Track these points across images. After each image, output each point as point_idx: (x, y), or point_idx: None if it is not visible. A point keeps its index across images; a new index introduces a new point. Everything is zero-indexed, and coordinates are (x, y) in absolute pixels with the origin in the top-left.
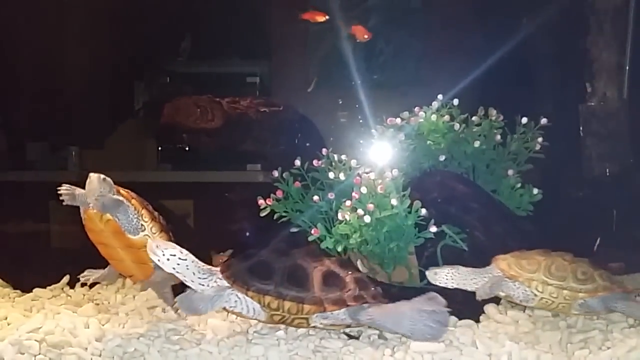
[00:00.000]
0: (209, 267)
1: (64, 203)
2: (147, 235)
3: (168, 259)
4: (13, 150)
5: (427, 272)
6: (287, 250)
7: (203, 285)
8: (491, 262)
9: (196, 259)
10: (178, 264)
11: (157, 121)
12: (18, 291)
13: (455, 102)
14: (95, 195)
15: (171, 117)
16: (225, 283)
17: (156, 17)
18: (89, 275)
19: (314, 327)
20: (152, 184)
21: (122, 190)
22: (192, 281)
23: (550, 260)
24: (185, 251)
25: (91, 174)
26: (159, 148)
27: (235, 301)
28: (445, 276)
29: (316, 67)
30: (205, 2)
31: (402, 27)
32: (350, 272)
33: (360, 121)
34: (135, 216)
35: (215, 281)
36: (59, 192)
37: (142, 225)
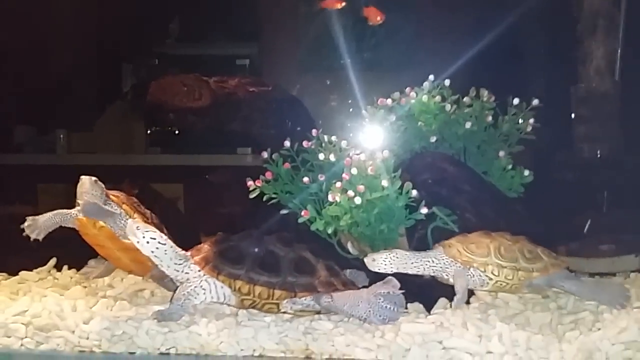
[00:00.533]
0: (185, 252)
1: (32, 238)
2: None
3: (148, 242)
4: (0, 133)
5: (365, 259)
6: (259, 236)
7: (177, 271)
8: (435, 247)
9: (174, 245)
10: (157, 248)
11: (144, 102)
12: (4, 274)
13: (447, 82)
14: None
15: (157, 95)
16: (196, 268)
17: None
18: (89, 272)
19: (283, 312)
20: (141, 167)
21: (112, 195)
22: (168, 267)
23: (496, 242)
24: (165, 236)
25: (83, 177)
26: (148, 131)
27: (204, 292)
28: (383, 261)
29: (306, 48)
30: None
31: (393, 8)
32: (321, 259)
33: (350, 102)
34: (127, 221)
35: (189, 267)
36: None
37: None
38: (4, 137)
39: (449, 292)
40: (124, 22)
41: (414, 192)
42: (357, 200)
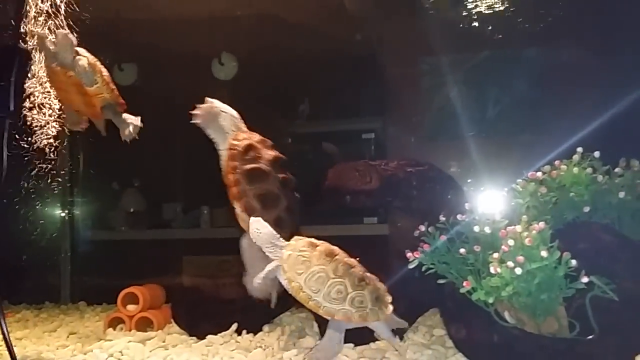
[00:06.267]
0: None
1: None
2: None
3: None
4: (151, 210)
5: (252, 218)
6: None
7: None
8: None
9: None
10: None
11: (324, 186)
12: (194, 338)
13: (597, 154)
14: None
15: (334, 180)
16: None
17: (276, 83)
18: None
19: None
20: None
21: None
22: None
23: (318, 268)
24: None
25: (59, 31)
26: None
27: None
28: (257, 228)
29: (431, 120)
30: (320, 66)
31: (517, 75)
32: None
33: (486, 172)
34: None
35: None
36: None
37: (96, 80)
38: (155, 214)
39: None
40: (259, 106)
41: (574, 262)
42: (518, 270)
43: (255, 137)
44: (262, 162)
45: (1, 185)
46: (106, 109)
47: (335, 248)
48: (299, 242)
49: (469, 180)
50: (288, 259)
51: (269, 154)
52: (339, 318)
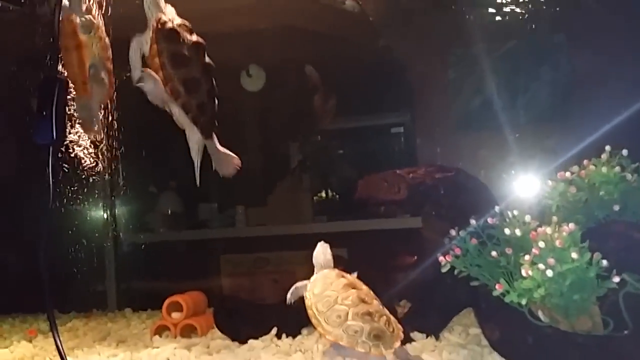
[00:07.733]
0: None
1: None
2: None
3: None
4: (188, 211)
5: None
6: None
7: None
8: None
9: None
10: None
11: (355, 197)
12: (236, 342)
13: (625, 152)
14: None
15: (364, 192)
16: None
17: (303, 82)
18: None
19: None
20: (309, 235)
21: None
22: None
23: (336, 294)
24: None
25: None
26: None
27: None
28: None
29: (460, 112)
30: (347, 62)
31: (547, 63)
32: None
33: (522, 170)
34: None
35: None
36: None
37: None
38: (190, 215)
39: None
40: (289, 105)
41: (604, 262)
42: (549, 272)
43: (177, 19)
44: (185, 46)
45: (50, 210)
46: (92, 69)
47: (360, 284)
48: (332, 271)
49: (497, 179)
50: (314, 280)
51: (190, 38)
52: (330, 339)
